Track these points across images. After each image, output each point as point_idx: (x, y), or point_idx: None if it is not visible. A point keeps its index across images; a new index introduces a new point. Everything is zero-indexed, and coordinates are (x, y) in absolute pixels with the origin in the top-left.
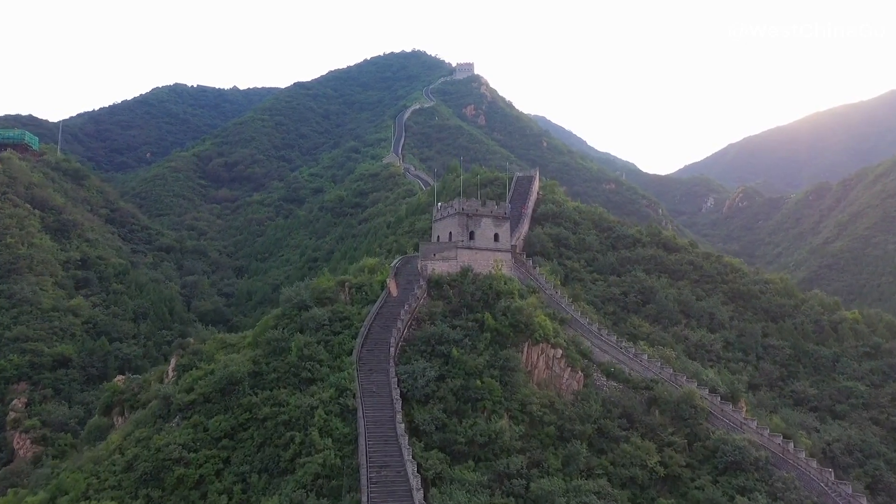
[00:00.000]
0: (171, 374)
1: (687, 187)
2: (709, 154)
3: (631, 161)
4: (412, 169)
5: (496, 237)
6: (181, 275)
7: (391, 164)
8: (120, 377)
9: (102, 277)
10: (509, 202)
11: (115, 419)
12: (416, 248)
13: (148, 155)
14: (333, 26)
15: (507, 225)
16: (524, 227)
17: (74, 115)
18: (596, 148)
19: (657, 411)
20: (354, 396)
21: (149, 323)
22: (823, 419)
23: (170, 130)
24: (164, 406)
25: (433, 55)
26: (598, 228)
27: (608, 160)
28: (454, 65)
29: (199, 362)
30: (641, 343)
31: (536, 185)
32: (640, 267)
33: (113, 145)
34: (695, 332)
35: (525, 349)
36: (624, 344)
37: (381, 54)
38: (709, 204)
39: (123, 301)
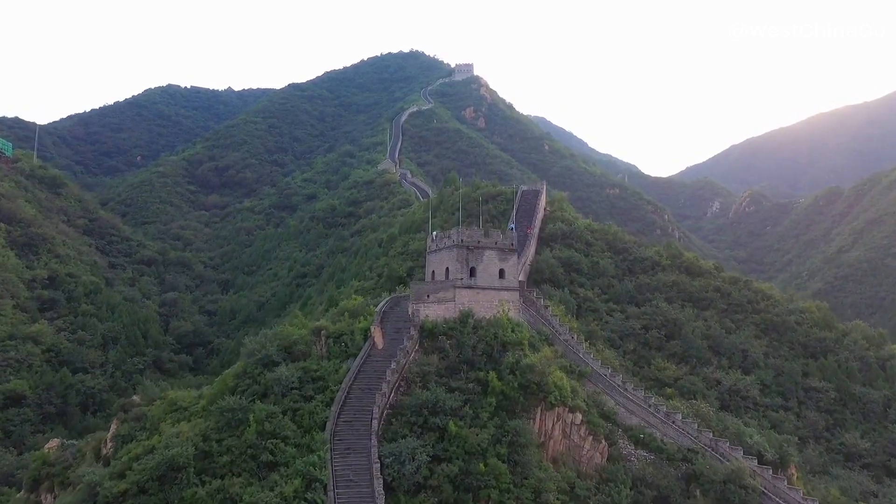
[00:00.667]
0: (108, 444)
1: (691, 191)
2: (711, 156)
3: (632, 163)
4: (409, 175)
5: (501, 273)
6: (162, 290)
7: (386, 171)
8: (53, 442)
9: (71, 297)
10: (513, 222)
11: (42, 497)
12: (410, 275)
13: (138, 158)
14: (331, 26)
15: (513, 258)
16: (531, 251)
17: (65, 116)
18: (597, 150)
19: (698, 491)
20: (325, 489)
21: (119, 349)
22: (879, 478)
23: (161, 133)
24: (89, 496)
25: (431, 55)
26: (613, 250)
27: (610, 162)
28: (453, 65)
29: (140, 432)
30: (669, 391)
31: (543, 200)
32: (662, 295)
33: (102, 148)
34: (728, 375)
35: (538, 415)
36: (653, 401)
37: (379, 55)
38: (714, 208)
39: (92, 324)
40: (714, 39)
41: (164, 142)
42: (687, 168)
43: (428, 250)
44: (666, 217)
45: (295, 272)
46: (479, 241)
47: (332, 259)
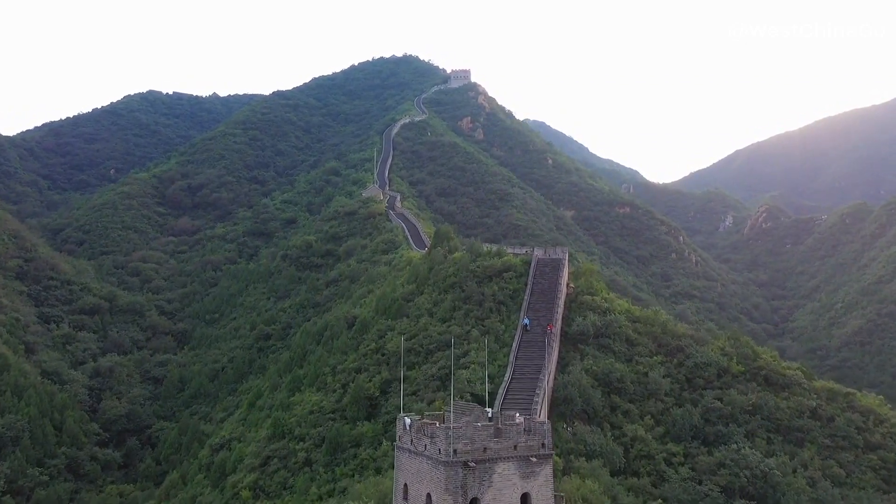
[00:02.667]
0: None
1: (701, 202)
2: (716, 160)
3: (635, 168)
4: (397, 204)
5: (525, 501)
6: (104, 348)
7: (372, 200)
8: None
9: None
10: (527, 315)
11: None
12: (384, 392)
13: (112, 172)
14: (322, 28)
15: (546, 469)
16: (552, 363)
17: (39, 125)
18: (598, 155)
19: None
20: None
21: (17, 455)
22: None
23: (138, 143)
24: None
25: (426, 60)
26: (664, 350)
27: (612, 169)
28: (449, 71)
29: None
30: None
31: (565, 275)
32: (741, 429)
33: (73, 161)
34: None
35: None
36: None
37: (370, 59)
38: (727, 223)
39: None
40: (715, 41)
41: (141, 153)
42: (691, 174)
43: (399, 442)
44: (681, 239)
45: (258, 332)
46: (484, 449)
47: (300, 317)
